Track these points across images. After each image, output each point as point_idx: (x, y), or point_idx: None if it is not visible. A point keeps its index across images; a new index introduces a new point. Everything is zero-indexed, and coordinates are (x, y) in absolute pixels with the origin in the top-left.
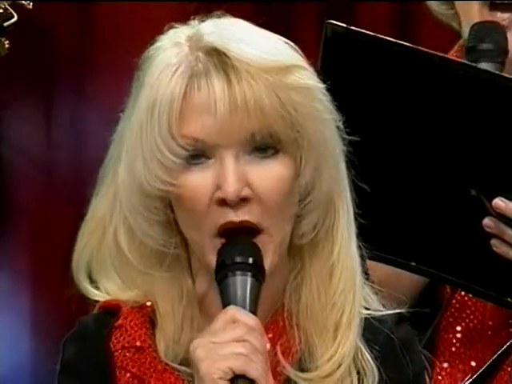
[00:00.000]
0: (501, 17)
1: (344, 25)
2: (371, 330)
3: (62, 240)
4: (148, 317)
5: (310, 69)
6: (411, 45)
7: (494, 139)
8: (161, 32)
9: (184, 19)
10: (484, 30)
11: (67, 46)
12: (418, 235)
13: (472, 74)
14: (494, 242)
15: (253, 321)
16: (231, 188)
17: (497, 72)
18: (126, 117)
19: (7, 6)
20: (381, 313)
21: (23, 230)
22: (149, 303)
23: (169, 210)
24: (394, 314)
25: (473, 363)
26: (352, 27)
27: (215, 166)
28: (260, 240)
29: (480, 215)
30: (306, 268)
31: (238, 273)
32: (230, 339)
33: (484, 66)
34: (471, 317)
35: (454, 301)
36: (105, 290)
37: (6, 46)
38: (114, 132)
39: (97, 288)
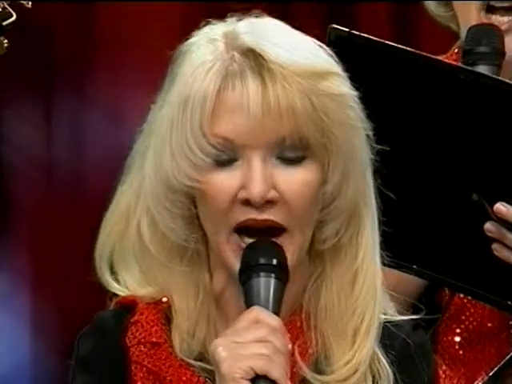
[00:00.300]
0: (501, 20)
1: (347, 29)
2: (388, 335)
3: (61, 240)
4: (164, 313)
5: (344, 75)
6: (414, 50)
7: (495, 144)
8: (161, 32)
9: (184, 19)
10: (481, 32)
11: (67, 45)
12: (420, 238)
13: (473, 78)
14: (495, 246)
15: (276, 321)
16: (257, 189)
17: (498, 77)
18: (157, 109)
19: (6, 6)
20: (398, 318)
21: (23, 230)
22: (164, 299)
23: (192, 205)
24: (409, 319)
25: (472, 365)
26: (355, 31)
27: (243, 166)
28: (281, 241)
29: (481, 220)
30: (326, 272)
31: (262, 274)
32: (253, 339)
33: (481, 68)
34: (470, 319)
35: (453, 303)
36: (124, 284)
37: (5, 45)
38: (143, 122)
39: (116, 280)
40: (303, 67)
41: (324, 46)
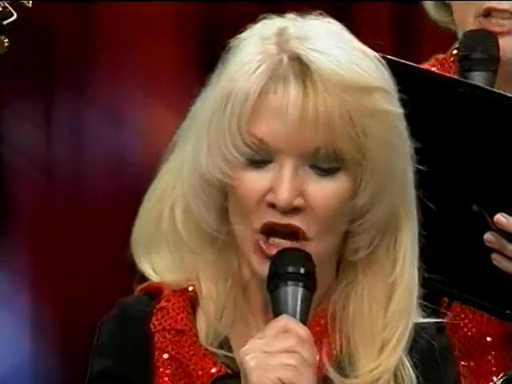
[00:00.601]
0: (502, 23)
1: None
2: (413, 337)
3: (61, 240)
4: (189, 301)
5: (392, 91)
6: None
7: (495, 155)
8: (161, 32)
9: (184, 19)
10: (475, 38)
11: (67, 45)
12: (420, 248)
13: (471, 91)
14: (494, 256)
15: (304, 332)
16: (284, 195)
17: (495, 90)
18: (203, 97)
19: (6, 5)
20: (423, 320)
21: (23, 230)
22: (191, 288)
23: (224, 198)
24: (434, 321)
25: (471, 372)
26: (388, 56)
27: (274, 169)
28: (301, 245)
29: (481, 230)
30: (358, 280)
31: (290, 283)
32: (281, 349)
33: (477, 75)
34: (469, 325)
35: (451, 311)
36: (153, 267)
37: (6, 44)
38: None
39: (148, 262)
40: (347, 81)
41: (379, 58)
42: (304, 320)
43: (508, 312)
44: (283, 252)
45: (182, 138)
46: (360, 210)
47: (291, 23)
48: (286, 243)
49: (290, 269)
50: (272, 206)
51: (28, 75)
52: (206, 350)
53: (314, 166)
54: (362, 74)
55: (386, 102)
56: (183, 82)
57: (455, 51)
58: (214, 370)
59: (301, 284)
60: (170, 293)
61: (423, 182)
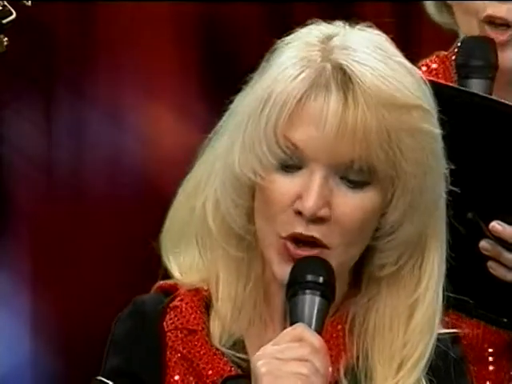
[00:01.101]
0: (501, 33)
1: None
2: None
3: (61, 240)
4: (203, 301)
5: (432, 111)
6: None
7: (490, 163)
8: (161, 32)
9: (184, 20)
10: (473, 44)
11: (67, 45)
12: None
13: (468, 98)
14: (490, 264)
15: (318, 341)
16: (311, 203)
17: (494, 98)
18: (243, 95)
19: (5, 3)
20: (440, 331)
21: (23, 231)
22: (205, 287)
23: (252, 198)
24: (450, 332)
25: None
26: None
27: (304, 176)
28: (319, 253)
29: (477, 238)
30: (381, 296)
31: (308, 291)
32: (294, 357)
33: (474, 82)
34: (466, 331)
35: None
36: (178, 262)
37: (5, 43)
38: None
39: (173, 257)
40: (388, 97)
41: (420, 75)
42: (319, 330)
43: (505, 320)
44: (304, 259)
45: (218, 133)
46: (390, 227)
47: (337, 32)
48: (308, 251)
49: (309, 277)
50: (298, 213)
51: (28, 75)
52: (218, 350)
53: (344, 178)
54: (403, 92)
55: (424, 121)
56: (183, 82)
57: (456, 49)
58: (224, 370)
59: (318, 293)
60: (185, 292)
61: None
